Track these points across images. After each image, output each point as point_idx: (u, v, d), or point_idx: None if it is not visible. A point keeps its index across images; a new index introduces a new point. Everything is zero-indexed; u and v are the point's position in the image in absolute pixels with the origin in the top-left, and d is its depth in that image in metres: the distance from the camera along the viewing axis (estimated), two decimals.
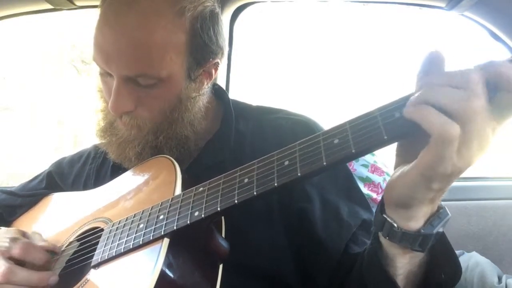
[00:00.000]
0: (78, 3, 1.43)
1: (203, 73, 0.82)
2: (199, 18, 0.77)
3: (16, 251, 0.71)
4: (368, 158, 1.57)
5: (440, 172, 0.46)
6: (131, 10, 0.72)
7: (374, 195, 1.52)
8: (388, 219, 0.54)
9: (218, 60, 0.84)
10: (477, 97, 0.44)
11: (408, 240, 0.53)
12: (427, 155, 0.46)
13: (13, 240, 0.74)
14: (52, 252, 0.78)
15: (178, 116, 0.80)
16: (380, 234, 0.57)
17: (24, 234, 0.79)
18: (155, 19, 0.73)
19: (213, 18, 0.80)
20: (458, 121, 0.44)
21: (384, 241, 0.57)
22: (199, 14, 0.77)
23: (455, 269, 0.58)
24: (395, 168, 0.54)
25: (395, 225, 0.54)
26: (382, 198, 0.56)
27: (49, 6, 1.42)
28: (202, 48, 0.79)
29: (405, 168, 0.50)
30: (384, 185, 1.53)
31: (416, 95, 0.47)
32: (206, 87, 0.85)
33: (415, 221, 0.53)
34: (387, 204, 0.55)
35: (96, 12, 0.77)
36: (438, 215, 0.53)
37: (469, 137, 0.44)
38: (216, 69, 0.85)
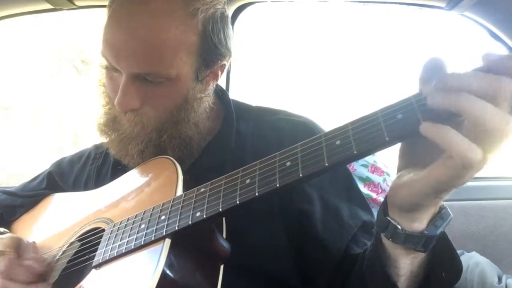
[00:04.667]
0: (78, 3, 1.43)
1: (210, 74, 0.82)
2: (210, 20, 0.77)
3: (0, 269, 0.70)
4: (368, 158, 1.57)
5: (453, 186, 0.46)
6: (144, 10, 0.72)
7: (374, 195, 1.52)
8: (392, 221, 0.54)
9: (226, 62, 0.84)
10: None
11: (411, 241, 0.53)
12: (441, 171, 0.45)
13: (1, 254, 0.73)
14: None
15: (184, 116, 0.80)
16: (383, 235, 0.57)
17: (19, 243, 0.76)
18: (168, 19, 0.73)
19: (223, 20, 0.80)
20: (486, 140, 0.42)
21: (387, 242, 0.57)
22: (210, 16, 0.77)
23: (456, 268, 0.58)
24: (398, 170, 0.54)
25: (399, 227, 0.53)
26: (385, 200, 0.56)
27: (49, 6, 1.42)
28: (212, 50, 0.79)
29: (413, 177, 0.50)
30: (384, 185, 1.53)
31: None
32: (212, 88, 0.85)
33: (419, 223, 0.53)
34: (391, 207, 0.55)
35: (104, 10, 0.77)
36: (440, 215, 0.53)
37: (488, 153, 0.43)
38: (222, 71, 0.85)
